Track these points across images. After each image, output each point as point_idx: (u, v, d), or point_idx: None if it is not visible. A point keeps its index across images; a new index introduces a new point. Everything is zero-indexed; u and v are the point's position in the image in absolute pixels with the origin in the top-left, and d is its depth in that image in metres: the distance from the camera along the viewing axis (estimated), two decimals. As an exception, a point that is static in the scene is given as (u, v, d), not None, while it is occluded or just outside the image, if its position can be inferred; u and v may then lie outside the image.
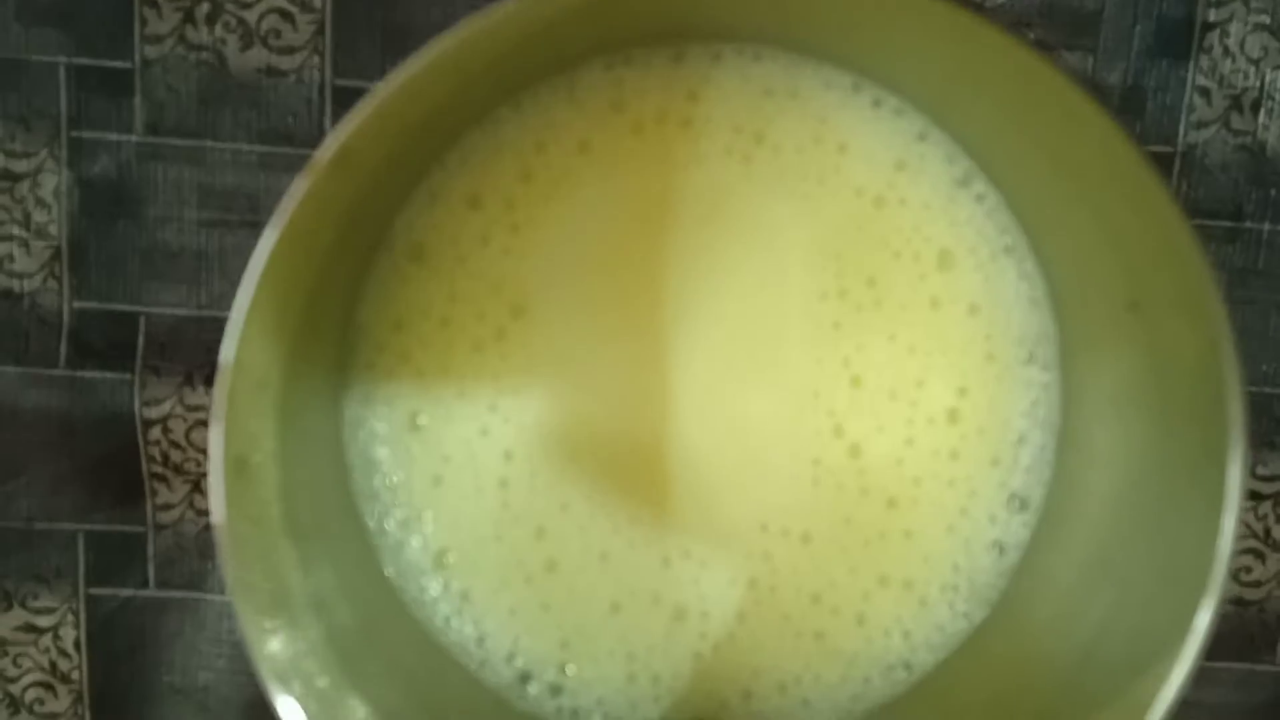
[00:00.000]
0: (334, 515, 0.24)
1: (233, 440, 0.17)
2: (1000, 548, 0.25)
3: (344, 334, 0.24)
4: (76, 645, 0.28)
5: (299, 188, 0.16)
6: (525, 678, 0.25)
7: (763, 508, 0.25)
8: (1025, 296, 0.24)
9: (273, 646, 0.18)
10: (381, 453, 0.25)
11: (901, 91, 0.24)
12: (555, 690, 0.25)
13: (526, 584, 0.25)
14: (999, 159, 0.23)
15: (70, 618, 0.28)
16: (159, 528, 0.28)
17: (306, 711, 0.18)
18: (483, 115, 0.24)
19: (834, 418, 0.25)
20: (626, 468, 0.25)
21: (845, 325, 0.24)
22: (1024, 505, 0.25)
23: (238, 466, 0.17)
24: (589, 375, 0.24)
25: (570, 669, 0.25)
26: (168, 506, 0.28)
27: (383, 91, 0.17)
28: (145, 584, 0.28)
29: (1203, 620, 0.18)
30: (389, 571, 0.25)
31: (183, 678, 0.28)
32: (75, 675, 0.28)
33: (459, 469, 0.25)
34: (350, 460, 0.24)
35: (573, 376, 0.24)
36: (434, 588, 0.25)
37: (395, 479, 0.25)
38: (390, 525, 0.25)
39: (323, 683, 0.19)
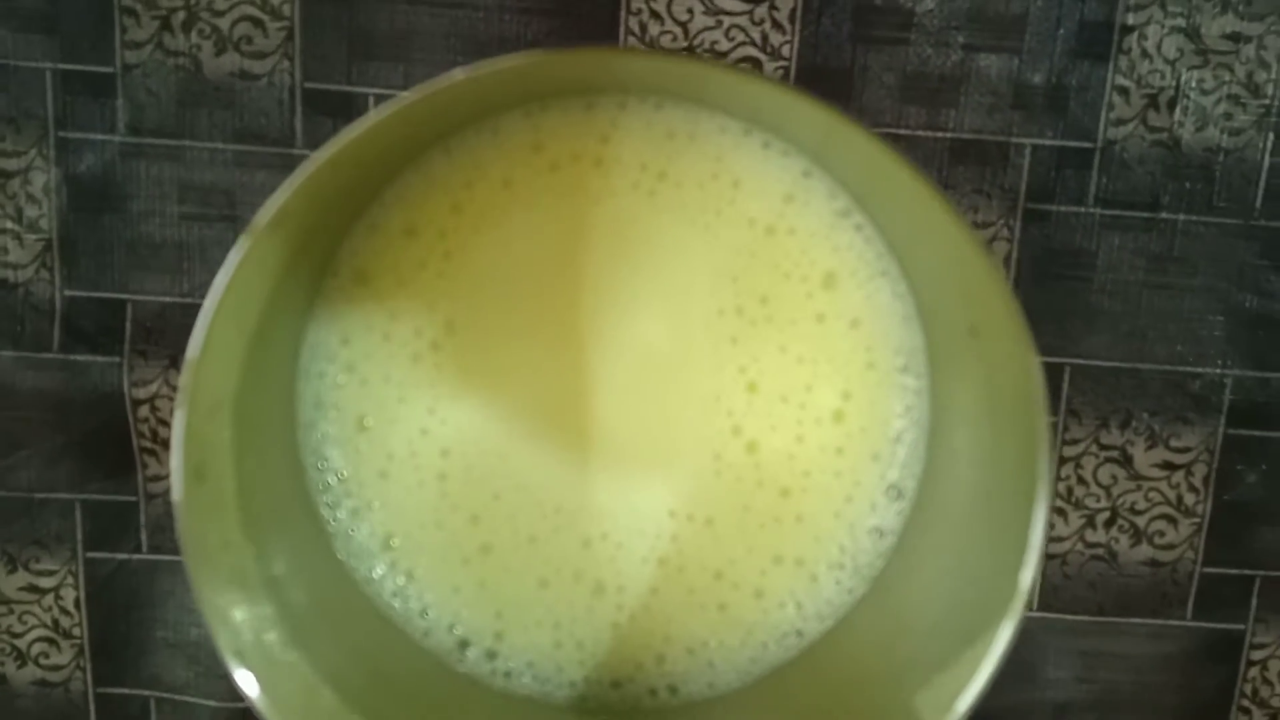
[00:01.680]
0: (290, 507, 0.26)
1: (192, 450, 0.20)
2: (880, 532, 0.27)
3: (297, 349, 0.26)
4: (76, 604, 0.30)
5: (240, 247, 0.19)
6: (464, 644, 0.27)
7: (671, 496, 0.27)
8: (899, 313, 0.26)
9: (232, 623, 0.21)
10: (333, 452, 0.27)
11: (786, 137, 0.25)
12: (491, 655, 0.27)
13: (464, 564, 0.27)
14: (872, 198, 0.25)
15: (70, 579, 0.29)
16: (150, 497, 0.29)
17: (261, 681, 0.21)
18: (417, 156, 0.25)
19: (733, 418, 0.27)
20: (551, 461, 0.27)
21: (742, 338, 0.26)
22: (900, 494, 0.27)
23: (197, 474, 0.20)
24: (516, 381, 0.26)
25: (504, 636, 0.27)
26: (157, 478, 0.29)
27: (316, 160, 0.19)
28: (139, 548, 0.29)
29: (1021, 588, 0.20)
30: (340, 555, 0.27)
31: (175, 633, 0.30)
32: (76, 631, 0.30)
33: (402, 464, 0.27)
34: (304, 459, 0.26)
35: (502, 382, 0.26)
36: (381, 568, 0.27)
37: (345, 474, 0.27)
38: (341, 514, 0.27)
39: (277, 654, 0.22)
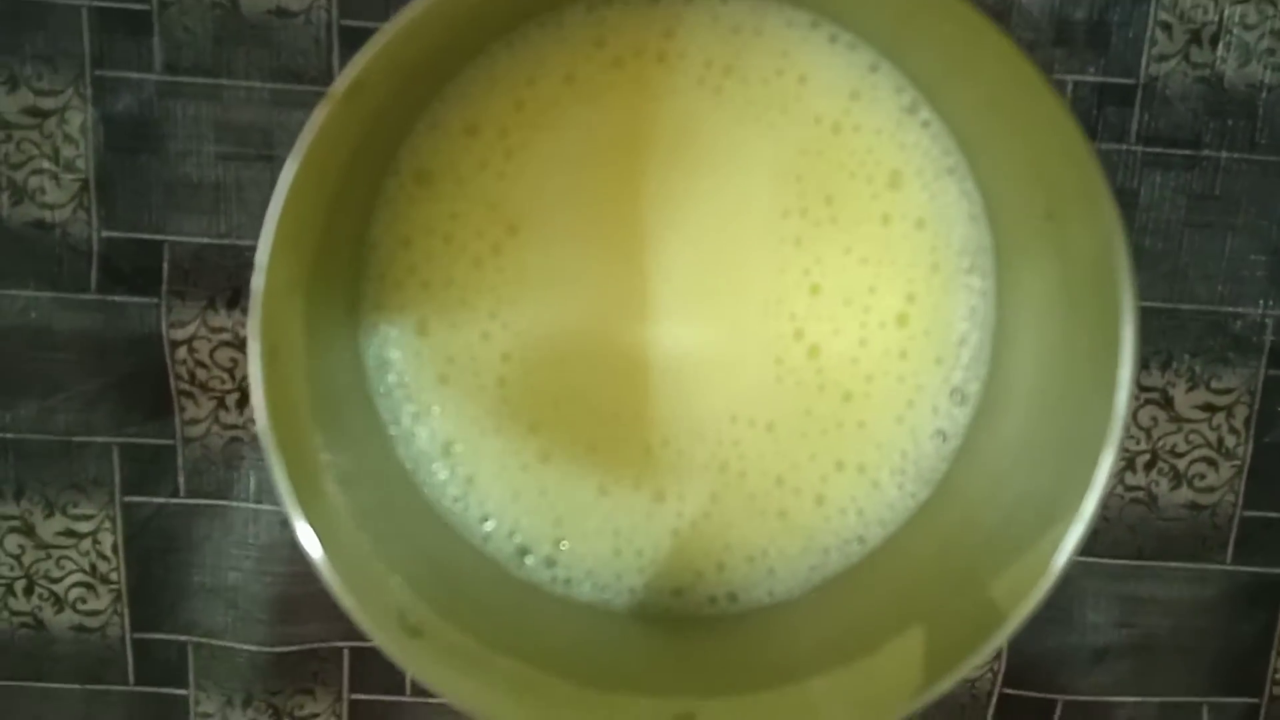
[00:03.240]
0: (354, 408, 0.26)
1: (268, 331, 0.19)
2: (943, 435, 0.27)
3: (358, 249, 0.26)
4: (114, 549, 0.30)
5: (318, 116, 0.19)
6: (524, 551, 0.27)
7: (732, 401, 0.27)
8: (965, 213, 0.26)
9: (307, 507, 0.21)
10: (394, 354, 0.27)
11: (855, 29, 0.25)
12: (550, 562, 0.27)
13: (523, 471, 0.27)
14: (942, 90, 0.25)
15: (108, 524, 0.29)
16: (187, 440, 0.29)
17: (333, 558, 0.20)
18: (478, 52, 0.25)
19: (795, 322, 0.27)
20: (611, 368, 0.27)
21: (805, 240, 0.26)
22: (964, 398, 0.27)
23: (272, 353, 0.20)
24: (577, 286, 0.26)
25: (564, 544, 0.27)
26: (195, 421, 0.29)
27: (391, 29, 0.19)
28: (176, 492, 0.29)
29: (1104, 467, 0.20)
30: (403, 458, 0.27)
31: (213, 577, 0.30)
32: (114, 576, 0.30)
33: (462, 370, 0.27)
34: (367, 361, 0.26)
35: (563, 287, 0.26)
36: (442, 473, 0.27)
37: (406, 378, 0.27)
38: (403, 418, 0.27)
39: (349, 534, 0.21)
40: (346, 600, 0.20)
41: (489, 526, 0.27)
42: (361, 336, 0.26)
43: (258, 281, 0.19)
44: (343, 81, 0.19)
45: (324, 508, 0.21)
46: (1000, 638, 0.21)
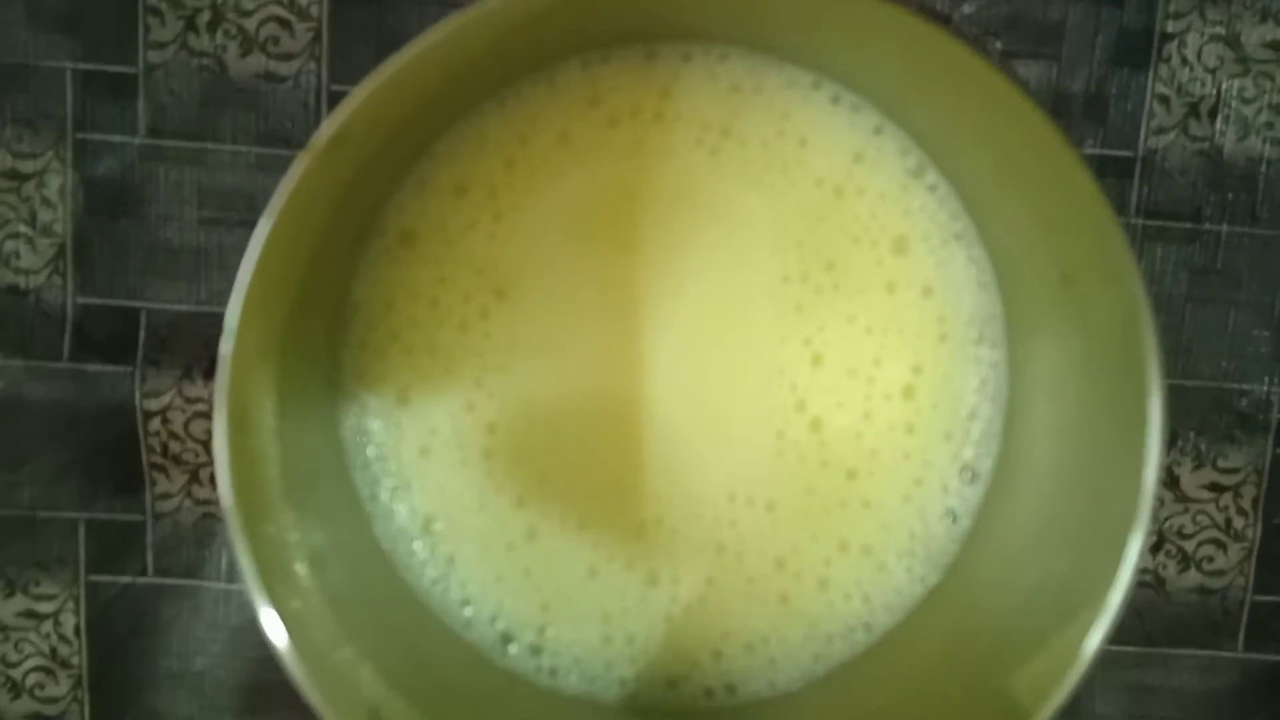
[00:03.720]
0: (329, 482, 0.24)
1: (236, 399, 0.18)
2: (953, 515, 0.26)
3: (338, 313, 0.25)
4: (76, 631, 0.28)
5: (297, 169, 0.18)
6: (507, 638, 0.26)
7: (730, 478, 0.26)
8: (974, 280, 0.25)
9: (272, 592, 0.19)
10: (373, 425, 0.26)
11: (859, 89, 0.25)
12: (535, 650, 0.26)
13: (508, 550, 0.26)
14: (949, 151, 0.24)
15: (71, 604, 0.28)
16: (158, 516, 0.28)
17: (299, 647, 0.19)
18: (468, 109, 0.24)
19: (796, 393, 0.26)
20: (602, 441, 0.26)
21: (807, 307, 0.25)
22: (975, 476, 0.26)
23: (240, 424, 0.19)
24: (568, 354, 0.25)
25: (550, 630, 0.26)
26: (167, 495, 0.28)
27: (375, 80, 0.18)
28: (144, 571, 0.28)
29: (1132, 551, 0.19)
30: (380, 537, 0.26)
31: (180, 662, 0.29)
32: (75, 660, 0.29)
33: (445, 441, 0.26)
34: (343, 433, 0.25)
35: (553, 355, 0.25)
36: (422, 553, 0.26)
37: (385, 450, 0.26)
38: (381, 494, 0.26)
39: (317, 621, 0.20)
40: (312, 695, 0.19)
41: (470, 611, 0.26)
42: (339, 406, 0.25)
43: (226, 347, 0.18)
44: (325, 133, 0.18)
45: (292, 591, 0.20)
46: (1025, 738, 0.20)
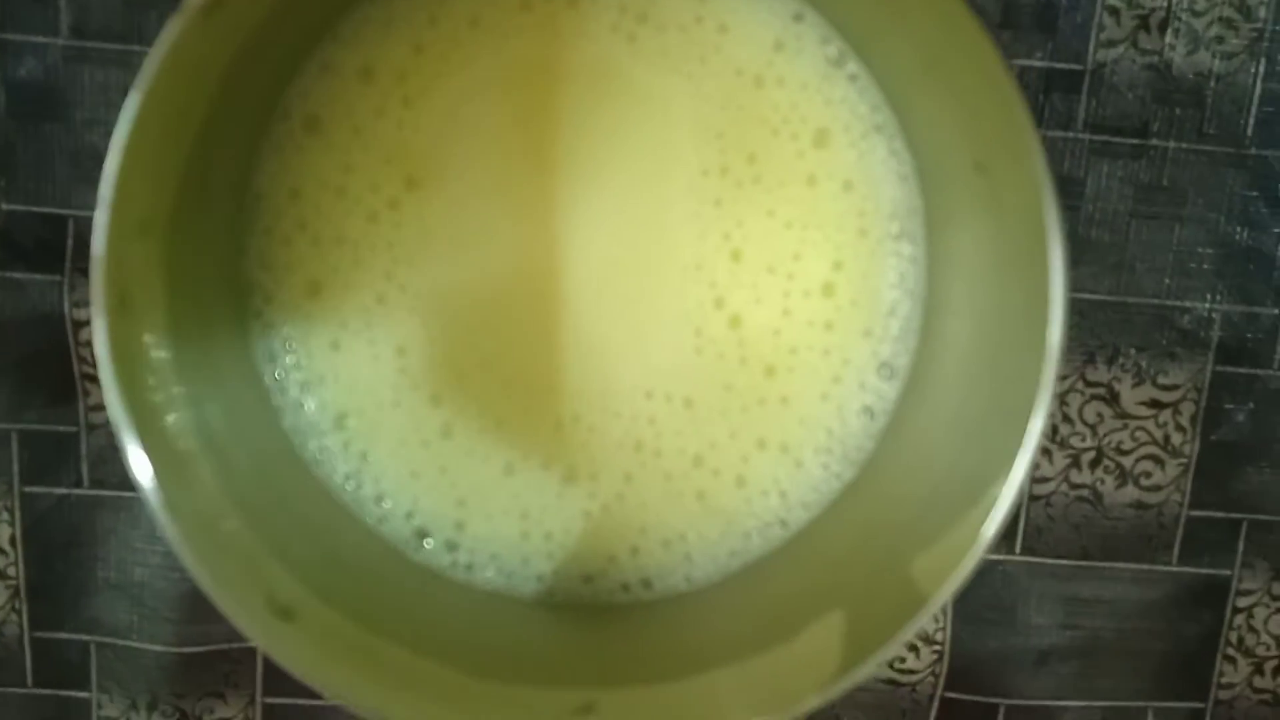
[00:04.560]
0: (232, 370, 0.24)
1: (114, 277, 0.18)
2: (870, 413, 0.26)
3: (241, 200, 0.24)
4: (12, 542, 0.28)
5: (170, 31, 0.17)
6: (422, 534, 0.26)
7: (648, 375, 0.26)
8: (895, 173, 0.25)
9: (168, 487, 0.19)
10: (278, 317, 0.25)
11: (778, -27, 0.24)
12: (451, 546, 0.26)
13: (424, 447, 0.25)
14: (869, 40, 0.24)
15: (5, 515, 0.28)
16: (91, 427, 0.28)
17: (195, 546, 0.18)
18: None
19: (715, 290, 0.25)
20: (518, 336, 0.25)
21: (726, 201, 0.25)
22: (892, 373, 0.26)
23: (121, 302, 0.18)
24: (482, 245, 0.25)
25: (466, 527, 0.26)
26: (99, 407, 0.28)
27: None
28: (79, 482, 0.28)
29: (1032, 434, 0.19)
30: (288, 430, 0.25)
31: (118, 573, 0.29)
32: (11, 571, 0.28)
33: (356, 335, 0.25)
34: (248, 323, 0.25)
35: (466, 246, 0.25)
36: (334, 448, 0.25)
37: (294, 343, 0.25)
38: (290, 388, 0.25)
39: (215, 510, 0.20)
40: (199, 571, 0.18)
41: (385, 506, 0.26)
42: (244, 298, 0.25)
43: (100, 217, 0.18)
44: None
45: (179, 470, 0.19)
46: (919, 621, 0.20)
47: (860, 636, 0.21)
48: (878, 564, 0.23)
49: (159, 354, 0.20)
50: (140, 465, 0.19)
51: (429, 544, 0.26)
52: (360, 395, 0.25)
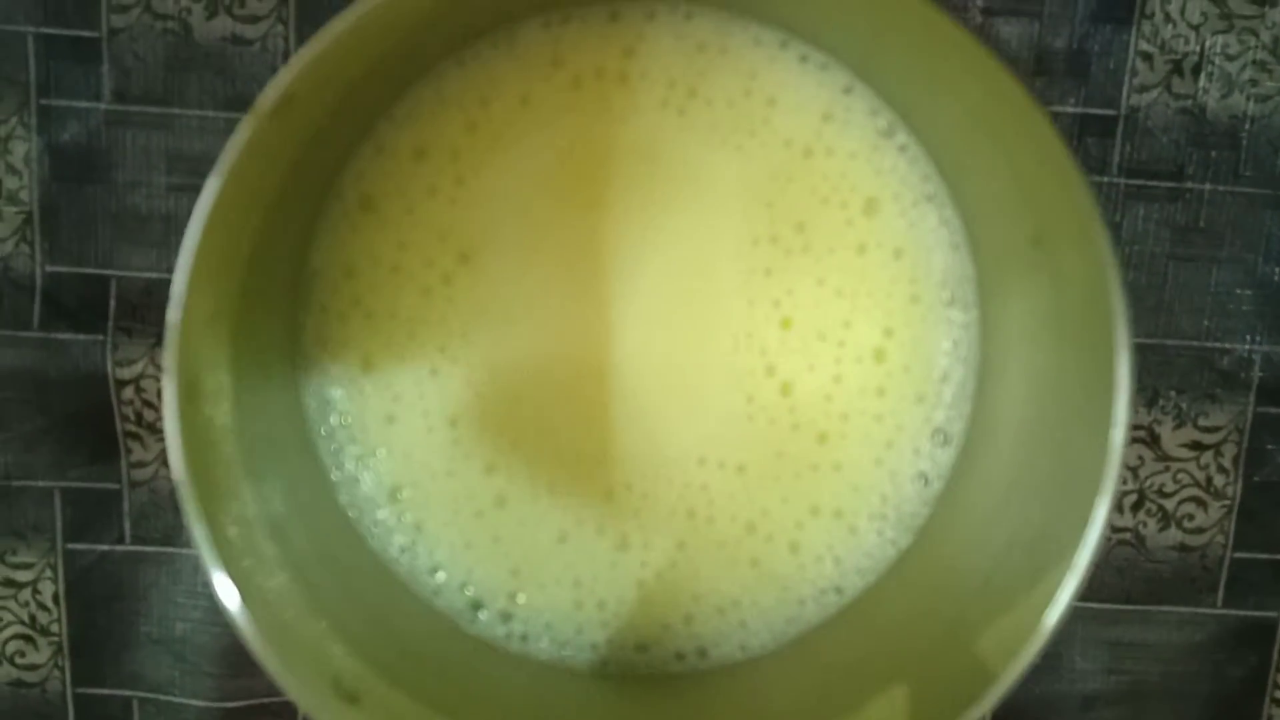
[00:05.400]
0: (291, 451, 0.24)
1: (185, 367, 0.18)
2: (925, 478, 0.26)
3: (297, 279, 0.24)
4: (55, 599, 0.28)
5: (241, 134, 0.17)
6: (477, 605, 0.26)
7: (700, 442, 0.25)
8: (946, 241, 0.25)
9: (231, 569, 0.19)
10: (335, 392, 0.25)
11: (827, 48, 0.24)
12: (506, 617, 0.26)
13: (477, 517, 0.26)
14: (920, 112, 0.24)
15: (49, 572, 0.28)
16: (134, 484, 0.28)
17: (259, 621, 0.19)
18: (427, 70, 0.24)
19: (766, 357, 0.25)
20: (571, 405, 0.25)
21: (776, 269, 0.25)
22: (946, 439, 0.26)
23: (190, 392, 0.18)
24: (534, 317, 0.25)
25: (520, 596, 0.26)
26: (141, 464, 0.28)
27: (320, 42, 0.18)
28: (121, 539, 0.28)
29: (1099, 512, 0.19)
30: (344, 505, 0.25)
31: (159, 628, 0.29)
32: (55, 628, 0.29)
33: (410, 408, 0.25)
34: (306, 400, 0.25)
35: (518, 319, 0.25)
36: (389, 520, 0.26)
37: (349, 418, 0.25)
38: (346, 462, 0.25)
39: (279, 594, 0.20)
40: (270, 662, 0.18)
41: (439, 578, 0.26)
42: (301, 374, 0.25)
43: (174, 314, 0.18)
44: (270, 96, 0.17)
45: (247, 559, 0.19)
46: (990, 699, 0.20)
47: (925, 713, 0.21)
48: (939, 637, 0.23)
49: (225, 438, 0.20)
50: (210, 556, 0.19)
51: (484, 615, 0.26)
52: (414, 467, 0.25)
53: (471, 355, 0.25)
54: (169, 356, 0.18)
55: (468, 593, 0.26)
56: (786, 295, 0.25)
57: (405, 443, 0.25)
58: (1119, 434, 0.19)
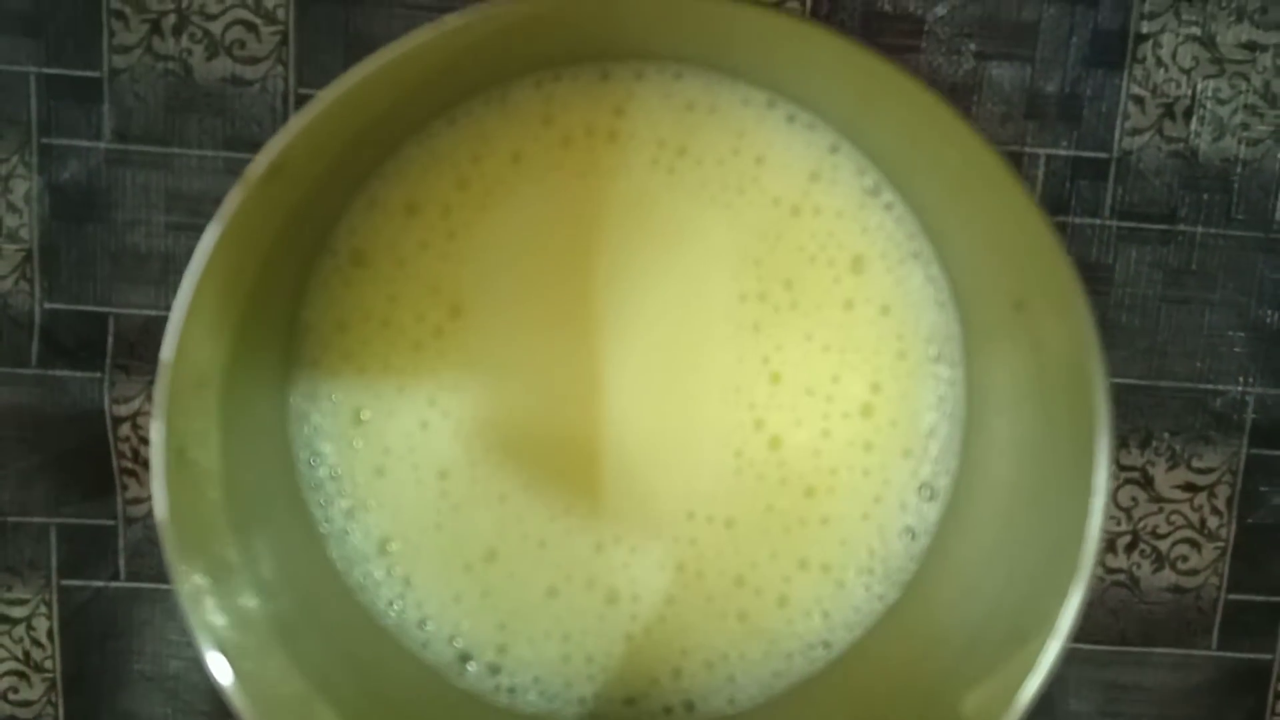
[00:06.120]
0: (279, 505, 0.24)
1: (174, 433, 0.18)
2: (912, 533, 0.26)
3: (289, 333, 0.24)
4: (50, 635, 0.28)
5: (231, 202, 0.17)
6: (465, 658, 0.26)
7: (689, 496, 0.26)
8: (932, 298, 0.25)
9: (214, 625, 0.19)
10: (325, 446, 0.25)
11: (814, 108, 0.24)
12: (494, 670, 0.26)
13: (466, 571, 0.26)
14: (904, 172, 0.24)
15: (43, 608, 0.28)
16: (129, 521, 0.28)
17: (244, 683, 0.19)
18: (419, 128, 0.24)
19: (755, 412, 0.25)
20: (561, 459, 0.25)
21: (765, 326, 0.25)
22: (933, 493, 0.26)
23: (179, 458, 0.18)
24: (524, 372, 0.25)
25: (508, 649, 0.26)
26: (137, 500, 0.28)
27: (311, 111, 0.18)
28: (116, 575, 0.28)
29: (1073, 601, 0.19)
30: (333, 558, 0.25)
31: (153, 666, 0.29)
32: (48, 664, 0.28)
33: (400, 461, 0.25)
34: (295, 452, 0.25)
35: (509, 373, 0.25)
36: (378, 573, 0.26)
37: (339, 470, 0.25)
38: (335, 515, 0.25)
39: (263, 655, 0.20)
40: (246, 712, 0.18)
41: (427, 631, 0.26)
42: (291, 428, 0.25)
43: (162, 382, 0.18)
44: (260, 165, 0.17)
45: (236, 625, 0.19)
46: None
47: (911, 773, 0.21)
48: (925, 695, 0.23)
49: (211, 483, 0.20)
50: (198, 617, 0.19)
51: (472, 668, 0.26)
52: (403, 520, 0.25)
53: (462, 409, 0.25)
54: (157, 422, 0.18)
55: (456, 645, 0.26)
56: (775, 351, 0.25)
57: (395, 496, 0.25)
58: (1094, 526, 0.19)
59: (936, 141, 0.20)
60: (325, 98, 0.18)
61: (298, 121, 0.18)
